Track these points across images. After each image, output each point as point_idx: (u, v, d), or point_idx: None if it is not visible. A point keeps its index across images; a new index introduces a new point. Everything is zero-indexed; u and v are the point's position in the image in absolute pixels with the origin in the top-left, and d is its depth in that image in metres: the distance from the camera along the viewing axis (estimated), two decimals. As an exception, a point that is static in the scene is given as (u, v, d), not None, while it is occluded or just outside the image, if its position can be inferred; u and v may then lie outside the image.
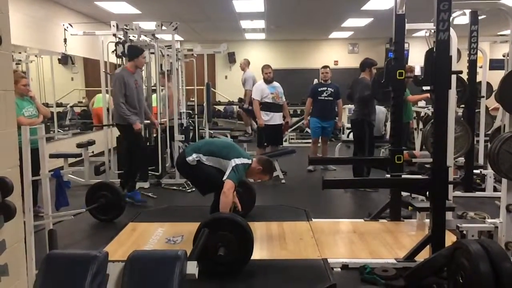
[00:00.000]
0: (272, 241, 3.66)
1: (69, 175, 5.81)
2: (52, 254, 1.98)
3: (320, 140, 7.01)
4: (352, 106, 11.43)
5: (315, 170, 6.81)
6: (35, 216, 3.34)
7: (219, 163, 3.58)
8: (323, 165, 6.97)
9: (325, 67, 6.95)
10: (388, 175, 4.10)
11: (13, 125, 2.21)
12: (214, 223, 3.05)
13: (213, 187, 3.57)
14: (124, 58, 5.54)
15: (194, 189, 5.07)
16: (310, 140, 7.36)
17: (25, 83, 4.40)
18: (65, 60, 7.35)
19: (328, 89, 6.75)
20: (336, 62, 12.73)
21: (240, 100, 10.22)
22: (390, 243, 3.53)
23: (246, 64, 9.44)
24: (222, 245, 2.95)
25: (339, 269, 3.15)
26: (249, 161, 3.58)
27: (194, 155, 3.58)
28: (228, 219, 3.10)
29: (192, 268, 2.02)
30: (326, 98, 6.73)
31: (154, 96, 6.63)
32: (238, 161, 3.46)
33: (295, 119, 10.42)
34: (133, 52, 5.18)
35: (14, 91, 4.21)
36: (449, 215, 3.67)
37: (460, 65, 4.61)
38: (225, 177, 3.42)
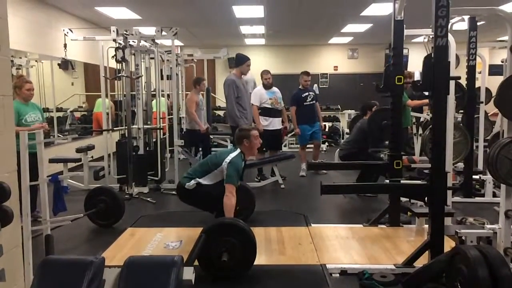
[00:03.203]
0: (271, 246, 3.65)
1: (69, 180, 5.80)
2: (48, 260, 1.98)
3: (313, 145, 7.15)
4: (351, 111, 11.49)
5: (307, 175, 6.83)
6: (34, 221, 3.34)
7: (216, 175, 3.63)
8: (317, 169, 6.98)
9: (307, 74, 6.95)
10: (387, 181, 4.10)
11: (11, 130, 2.21)
12: (216, 228, 3.05)
13: (219, 201, 3.58)
14: (124, 63, 5.56)
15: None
16: (309, 146, 7.36)
17: (29, 88, 4.40)
18: (65, 65, 7.37)
19: (310, 93, 6.86)
20: (335, 68, 12.76)
21: None
22: (389, 248, 3.52)
23: None
24: (225, 250, 2.95)
25: (338, 275, 3.14)
26: (238, 151, 3.68)
27: (192, 181, 3.63)
28: (230, 224, 3.11)
29: (188, 273, 2.02)
30: (310, 102, 6.83)
31: (153, 101, 6.64)
32: (228, 159, 3.55)
33: (294, 125, 10.41)
34: (240, 59, 5.60)
35: (17, 96, 4.27)
36: (448, 221, 3.66)
37: (459, 71, 4.62)
38: (224, 182, 3.49)
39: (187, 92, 9.00)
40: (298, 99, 6.80)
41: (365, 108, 6.02)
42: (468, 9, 4.03)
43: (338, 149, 6.26)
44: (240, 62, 5.54)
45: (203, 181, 3.63)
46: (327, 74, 12.67)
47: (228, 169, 3.50)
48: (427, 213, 3.04)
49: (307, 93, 6.81)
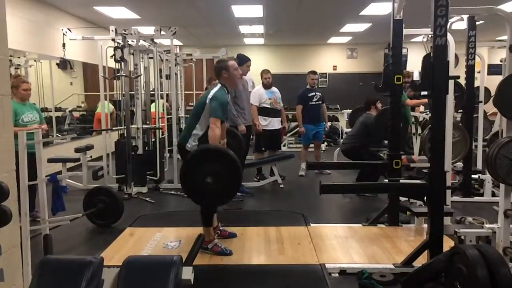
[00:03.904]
0: (270, 246, 3.65)
1: (67, 180, 5.79)
2: (47, 260, 1.97)
3: (314, 145, 7.13)
4: (350, 111, 11.49)
5: (308, 174, 6.84)
6: (33, 221, 3.34)
7: (205, 117, 3.44)
8: (318, 170, 7.00)
9: (314, 73, 7.01)
10: (386, 180, 4.10)
11: (10, 130, 2.21)
12: (201, 153, 3.08)
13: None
14: (122, 63, 5.55)
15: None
16: (311, 146, 7.37)
17: (26, 87, 4.38)
18: (64, 64, 7.35)
19: (317, 94, 6.87)
20: (335, 67, 12.77)
21: None
22: (388, 248, 3.52)
23: None
24: (209, 174, 2.93)
25: (337, 275, 3.14)
26: (218, 85, 3.53)
27: (191, 141, 3.47)
28: (215, 150, 3.11)
29: (187, 273, 2.02)
30: (316, 103, 6.84)
31: (152, 104, 6.63)
32: (210, 95, 3.42)
33: (293, 124, 10.42)
34: (240, 60, 5.54)
35: (14, 96, 4.26)
36: (447, 220, 3.67)
37: (458, 70, 4.62)
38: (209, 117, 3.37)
39: (186, 92, 9.02)
40: (304, 98, 6.82)
41: (369, 103, 5.99)
42: (467, 8, 4.03)
43: (341, 143, 6.24)
44: (240, 62, 5.55)
45: (196, 131, 3.47)
46: (326, 73, 12.68)
47: (211, 103, 3.36)
48: (426, 212, 3.04)
49: (313, 93, 6.83)
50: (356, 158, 5.66)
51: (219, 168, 2.95)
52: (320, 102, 6.90)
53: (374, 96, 5.97)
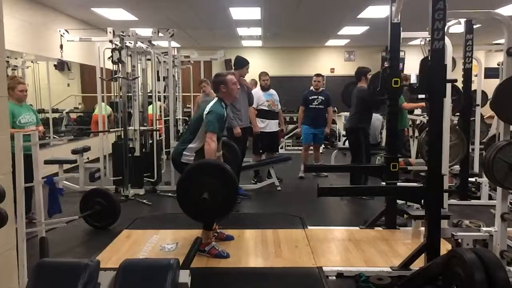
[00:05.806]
0: (267, 249, 3.64)
1: (64, 182, 5.77)
2: (43, 263, 1.96)
3: (312, 147, 7.13)
4: (347, 114, 11.51)
5: (306, 177, 6.86)
6: (29, 223, 3.33)
7: (202, 132, 3.45)
8: (315, 172, 7.01)
9: (318, 75, 7.05)
10: (384, 183, 4.10)
11: (6, 132, 2.20)
12: (199, 167, 3.09)
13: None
14: (120, 64, 5.54)
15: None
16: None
17: (22, 89, 4.36)
18: (61, 66, 7.34)
19: (319, 97, 6.84)
20: (332, 70, 12.78)
21: None
22: (386, 251, 3.52)
23: (254, 85, 7.95)
24: (206, 190, 2.93)
25: (334, 278, 3.13)
26: (215, 99, 3.54)
27: (187, 153, 3.46)
28: (214, 165, 3.11)
29: (184, 277, 2.01)
30: (317, 106, 6.82)
31: (150, 106, 6.62)
32: (206, 110, 3.42)
33: (291, 126, 10.43)
34: (240, 62, 5.60)
35: (10, 97, 4.24)
36: (444, 223, 3.67)
37: (456, 74, 4.64)
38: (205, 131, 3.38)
39: (183, 94, 9.01)
40: (305, 100, 6.85)
41: (359, 73, 5.80)
42: (464, 12, 4.03)
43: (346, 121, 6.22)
44: (240, 65, 5.53)
45: (193, 144, 3.46)
46: (323, 76, 12.68)
47: (207, 117, 3.36)
48: (423, 215, 3.04)
49: (315, 96, 6.82)
50: (352, 137, 5.77)
51: (216, 183, 2.95)
52: (322, 106, 6.85)
53: (364, 67, 5.92)
